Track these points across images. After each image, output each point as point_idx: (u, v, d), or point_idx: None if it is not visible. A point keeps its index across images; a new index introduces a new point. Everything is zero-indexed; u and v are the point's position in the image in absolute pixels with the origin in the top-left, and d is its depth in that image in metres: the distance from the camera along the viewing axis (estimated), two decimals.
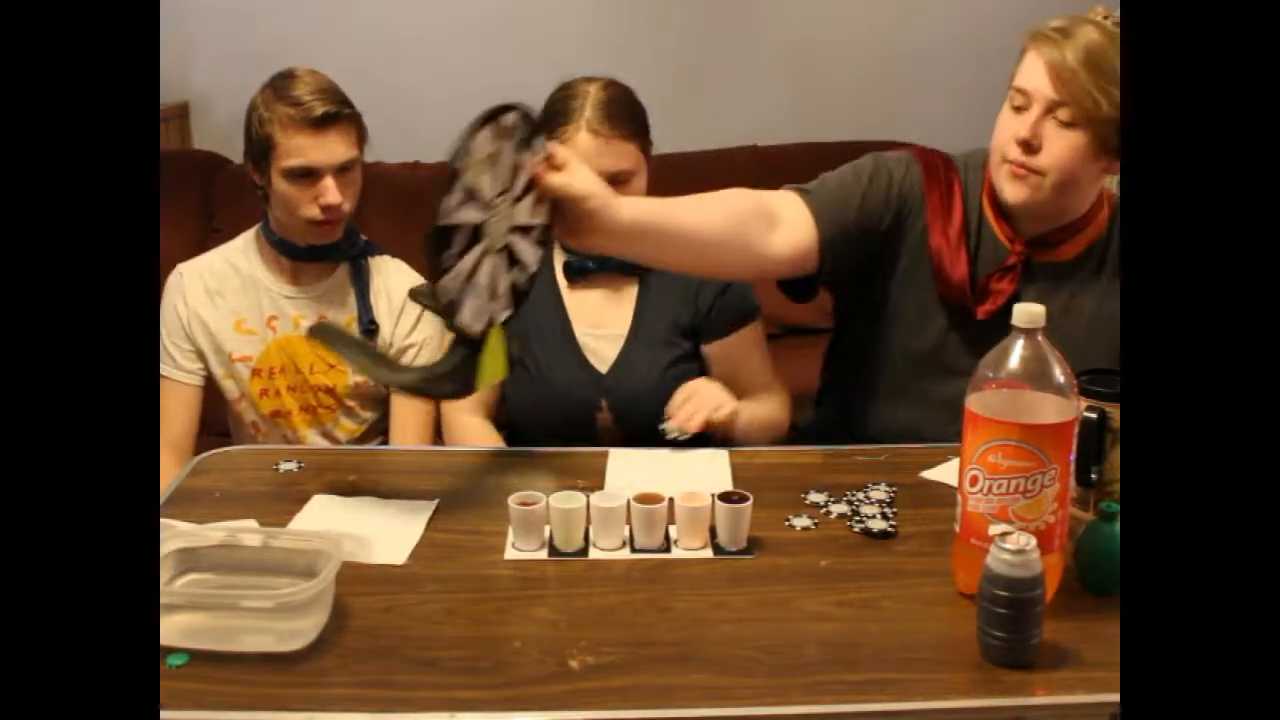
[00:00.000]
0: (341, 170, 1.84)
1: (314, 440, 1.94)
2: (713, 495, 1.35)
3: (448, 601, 1.21)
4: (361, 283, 1.93)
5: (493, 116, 1.33)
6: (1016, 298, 1.62)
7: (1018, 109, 1.60)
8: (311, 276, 1.92)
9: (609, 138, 1.75)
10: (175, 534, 1.22)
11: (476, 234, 1.35)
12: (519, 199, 1.39)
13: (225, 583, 1.21)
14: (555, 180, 1.40)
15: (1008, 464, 1.14)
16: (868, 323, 1.73)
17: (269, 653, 1.10)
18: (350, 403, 1.94)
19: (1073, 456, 1.17)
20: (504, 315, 1.42)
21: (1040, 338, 1.16)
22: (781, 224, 1.61)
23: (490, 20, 3.45)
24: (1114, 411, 1.27)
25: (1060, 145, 1.56)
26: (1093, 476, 1.29)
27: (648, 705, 1.04)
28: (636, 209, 1.50)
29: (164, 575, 1.19)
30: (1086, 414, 1.26)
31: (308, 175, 1.82)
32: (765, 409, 1.81)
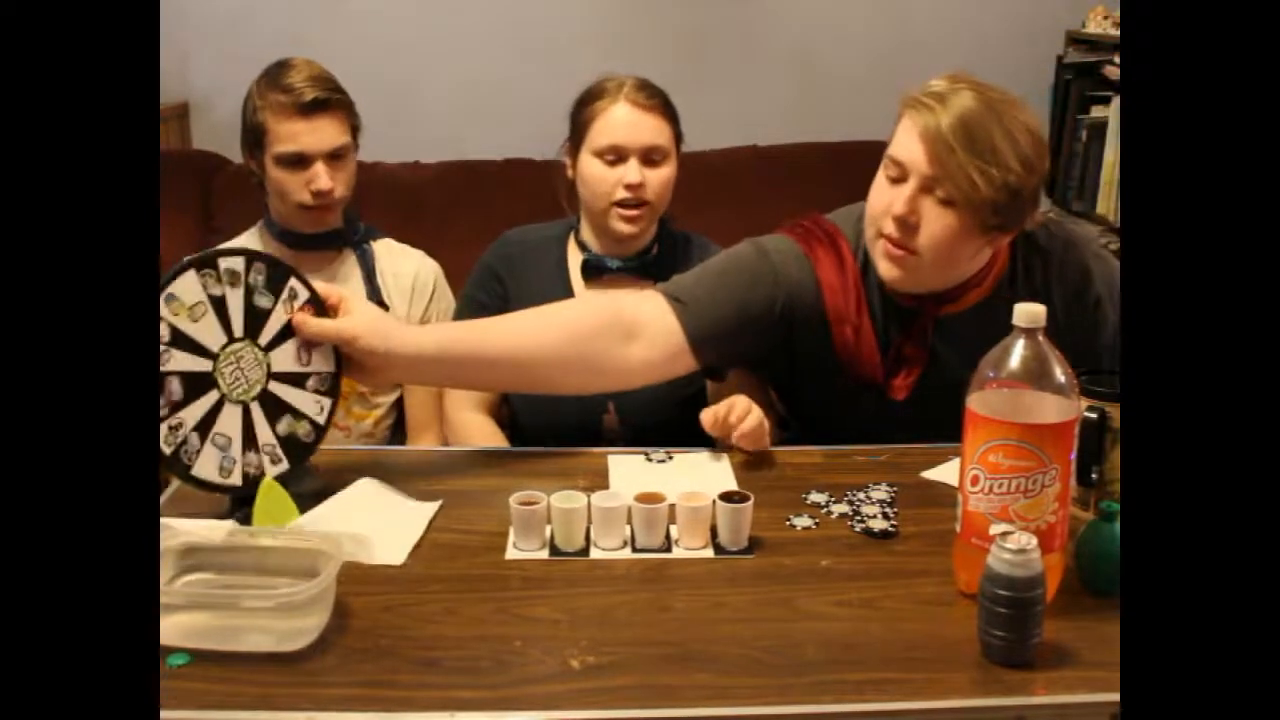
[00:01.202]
0: (333, 157, 1.86)
1: None
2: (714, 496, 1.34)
3: (448, 601, 1.21)
4: (367, 266, 1.95)
5: (206, 262, 1.30)
6: (934, 357, 1.57)
7: (893, 180, 1.48)
8: (315, 265, 1.92)
9: (647, 108, 1.79)
10: (175, 534, 1.22)
11: (205, 381, 1.31)
12: (271, 346, 1.36)
13: (226, 583, 1.21)
14: (311, 327, 1.36)
15: (1008, 464, 1.14)
16: (797, 412, 1.67)
17: (270, 652, 1.10)
18: (363, 388, 1.95)
19: (1073, 456, 1.17)
20: (275, 470, 1.37)
21: (1040, 337, 1.16)
22: (642, 334, 1.53)
23: (490, 21, 3.45)
24: (1114, 411, 1.27)
25: (939, 225, 1.45)
26: (1093, 476, 1.29)
27: (648, 705, 1.04)
28: (429, 340, 1.45)
29: (164, 575, 1.19)
30: (1086, 414, 1.26)
31: (299, 161, 1.84)
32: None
